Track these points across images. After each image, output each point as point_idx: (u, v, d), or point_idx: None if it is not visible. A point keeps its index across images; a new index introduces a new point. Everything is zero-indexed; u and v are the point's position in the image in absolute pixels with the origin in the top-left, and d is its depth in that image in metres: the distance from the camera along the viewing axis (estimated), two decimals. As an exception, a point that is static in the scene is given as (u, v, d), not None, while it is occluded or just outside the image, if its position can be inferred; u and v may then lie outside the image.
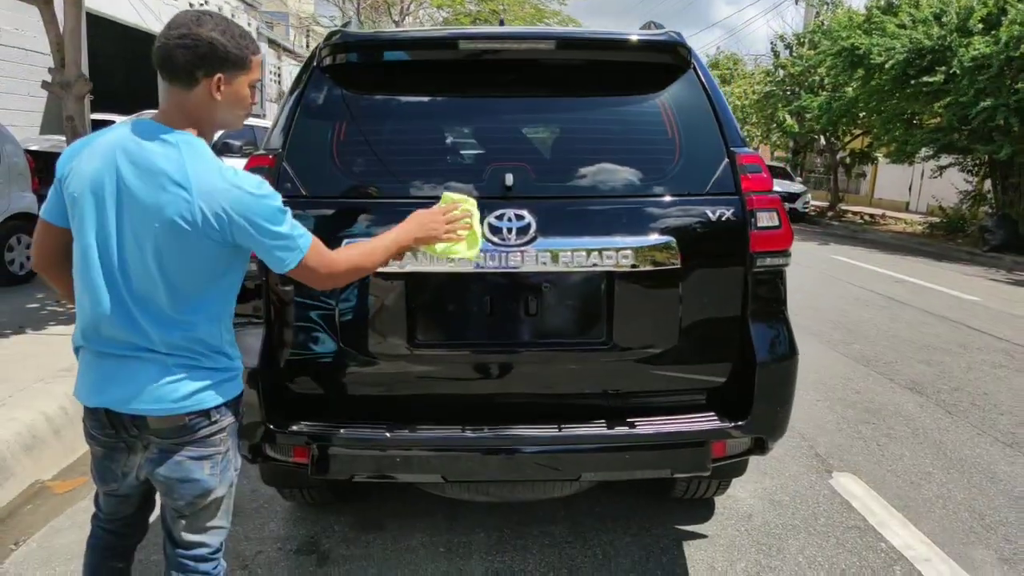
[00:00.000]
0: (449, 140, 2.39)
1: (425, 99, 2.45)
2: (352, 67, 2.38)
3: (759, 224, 2.30)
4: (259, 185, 1.61)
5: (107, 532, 1.90)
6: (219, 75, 1.58)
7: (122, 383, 1.63)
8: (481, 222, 2.08)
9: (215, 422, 1.70)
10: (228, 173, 1.58)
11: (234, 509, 3.11)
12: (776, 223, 2.33)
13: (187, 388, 1.64)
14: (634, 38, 2.39)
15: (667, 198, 2.29)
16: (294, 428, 2.24)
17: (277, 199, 1.62)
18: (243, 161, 7.76)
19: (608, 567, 2.75)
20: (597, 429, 2.26)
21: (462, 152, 2.38)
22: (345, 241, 2.16)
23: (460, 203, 1.97)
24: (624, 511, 3.15)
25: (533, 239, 2.17)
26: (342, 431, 2.24)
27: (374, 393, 2.34)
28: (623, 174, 2.32)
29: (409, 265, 2.14)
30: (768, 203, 2.32)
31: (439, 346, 2.28)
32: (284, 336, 2.27)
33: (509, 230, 2.16)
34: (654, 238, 2.23)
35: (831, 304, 8.11)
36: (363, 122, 2.34)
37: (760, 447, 2.40)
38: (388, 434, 2.21)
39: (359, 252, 1.81)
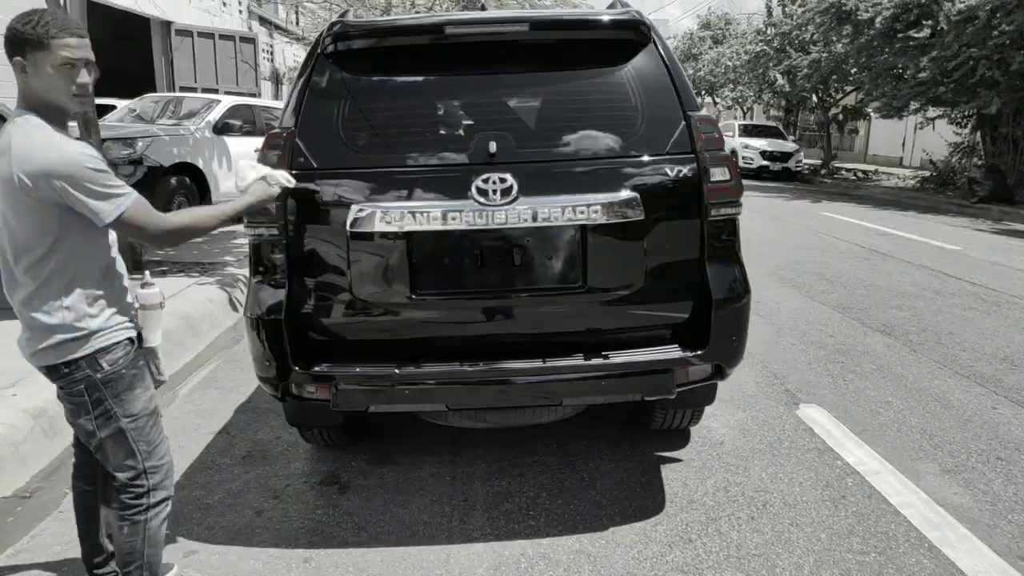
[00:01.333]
0: (439, 114, 2.71)
1: (417, 79, 2.77)
2: (352, 53, 2.70)
3: (713, 179, 2.63)
4: (74, 150, 1.84)
5: (75, 453, 2.36)
6: (18, 57, 1.85)
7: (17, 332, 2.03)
8: (468, 187, 2.46)
9: (64, 376, 2.00)
10: (43, 141, 1.84)
11: (261, 453, 3.49)
12: (728, 177, 2.66)
13: (36, 344, 1.98)
14: (601, 18, 2.71)
15: (631, 158, 2.63)
16: (317, 369, 2.60)
17: (91, 161, 1.85)
18: (244, 139, 8.02)
19: (594, 487, 3.14)
20: (576, 361, 2.62)
21: (450, 125, 2.70)
22: (355, 207, 2.51)
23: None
24: (607, 442, 3.53)
25: (516, 199, 2.51)
26: (358, 369, 2.60)
27: (384, 337, 2.70)
28: (593, 138, 2.65)
29: (409, 225, 2.50)
30: (721, 160, 2.66)
31: (438, 294, 2.63)
32: (305, 291, 2.62)
33: (494, 191, 2.50)
34: (621, 194, 2.57)
35: (815, 258, 8.45)
36: (363, 101, 2.67)
37: (719, 372, 2.76)
38: (397, 370, 2.57)
39: (189, 215, 2.09)
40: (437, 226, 2.50)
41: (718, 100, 34.39)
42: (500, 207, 2.50)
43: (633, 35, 2.72)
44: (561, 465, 3.33)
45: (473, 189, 2.50)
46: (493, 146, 2.55)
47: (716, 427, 3.73)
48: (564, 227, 2.57)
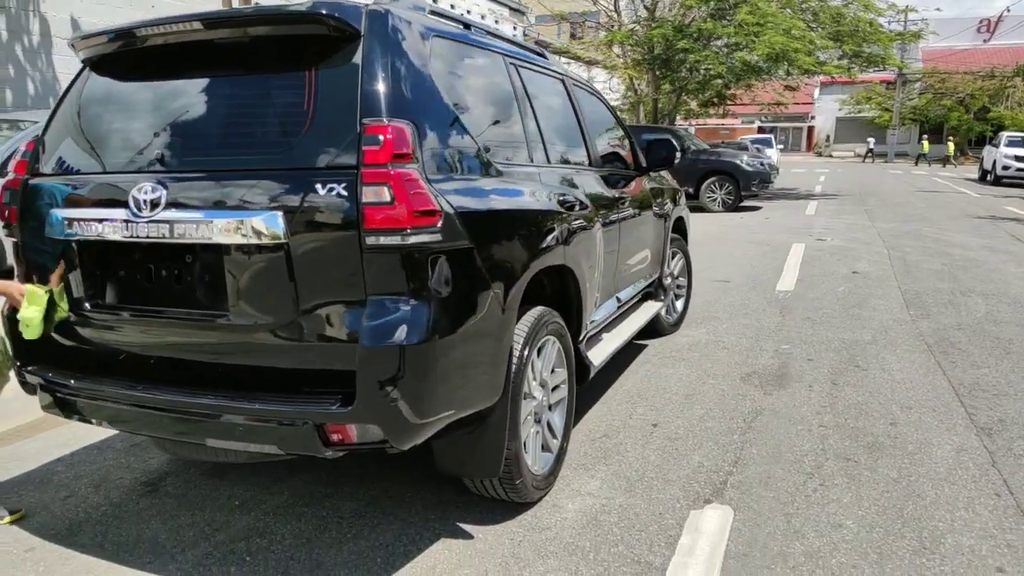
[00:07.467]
0: (110, 122, 2.66)
1: (118, 85, 2.74)
2: (93, 61, 2.77)
3: (366, 199, 2.17)
4: None
5: None
6: None
7: None
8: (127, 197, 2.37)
9: None
10: None
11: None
12: (388, 199, 2.17)
13: None
14: (282, 12, 2.38)
15: (284, 172, 2.28)
16: (28, 370, 2.72)
17: None
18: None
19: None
20: (210, 400, 2.37)
21: (118, 133, 2.62)
22: (55, 212, 2.57)
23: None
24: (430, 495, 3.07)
25: (160, 211, 2.35)
26: (50, 375, 2.65)
27: (74, 345, 2.71)
28: (252, 148, 2.38)
29: (76, 234, 2.50)
30: (379, 177, 2.17)
31: (101, 308, 2.59)
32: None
33: (145, 202, 2.37)
34: (263, 214, 2.25)
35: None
36: (77, 108, 2.74)
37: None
38: (73, 382, 2.58)
39: None
40: (94, 236, 2.47)
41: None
42: (145, 220, 2.36)
43: (327, 30, 2.34)
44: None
45: (130, 199, 2.40)
46: (154, 154, 2.44)
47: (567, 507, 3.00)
48: (206, 246, 2.33)
